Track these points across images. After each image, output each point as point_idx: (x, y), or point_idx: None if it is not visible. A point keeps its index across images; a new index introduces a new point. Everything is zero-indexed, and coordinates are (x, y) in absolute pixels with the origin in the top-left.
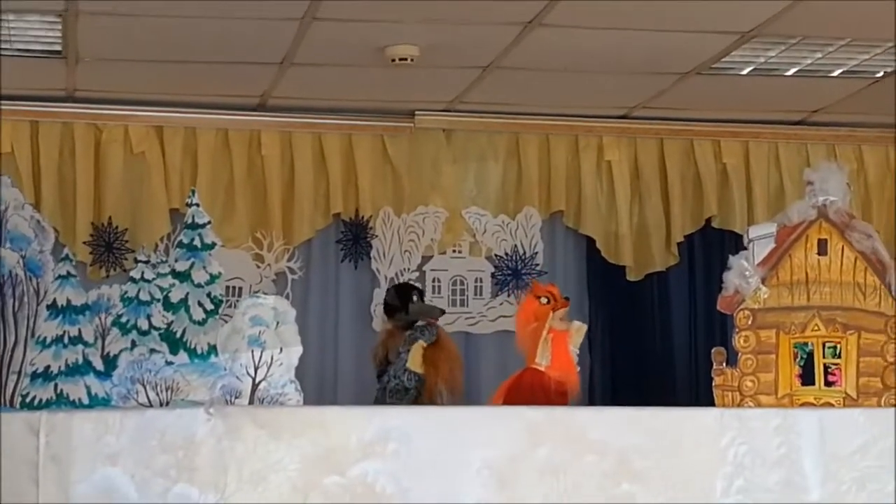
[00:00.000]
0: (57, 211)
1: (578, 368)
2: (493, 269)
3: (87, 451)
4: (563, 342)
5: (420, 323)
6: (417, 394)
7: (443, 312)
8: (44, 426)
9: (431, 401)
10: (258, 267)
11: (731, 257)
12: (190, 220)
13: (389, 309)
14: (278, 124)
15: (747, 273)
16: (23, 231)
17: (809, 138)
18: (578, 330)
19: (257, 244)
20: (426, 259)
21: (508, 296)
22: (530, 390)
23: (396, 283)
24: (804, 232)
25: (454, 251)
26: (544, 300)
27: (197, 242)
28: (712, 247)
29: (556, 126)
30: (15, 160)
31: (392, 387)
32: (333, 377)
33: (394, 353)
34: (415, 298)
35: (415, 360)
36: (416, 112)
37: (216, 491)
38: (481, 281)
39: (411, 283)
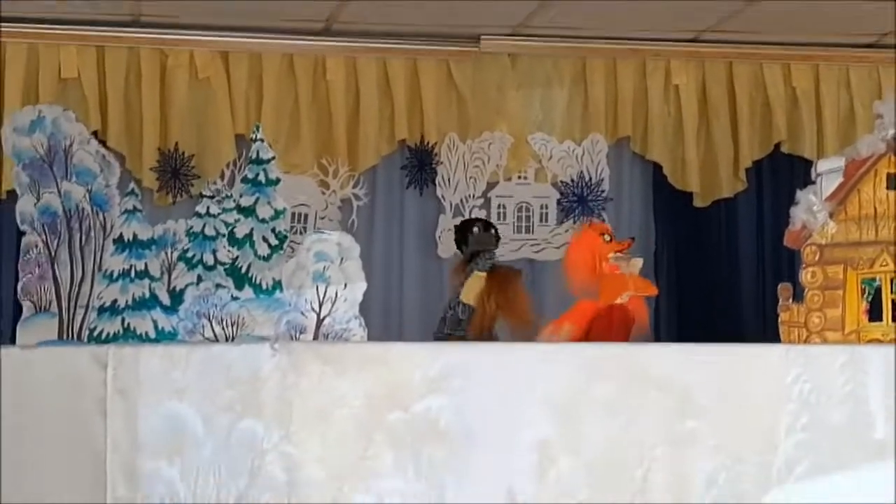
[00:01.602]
0: (123, 137)
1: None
2: (558, 196)
3: (154, 385)
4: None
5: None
6: (466, 324)
7: (496, 240)
8: (111, 360)
9: (480, 333)
10: (323, 193)
11: (798, 192)
12: (255, 155)
13: (457, 244)
14: (343, 49)
15: (815, 208)
16: (88, 165)
17: (881, 61)
18: (635, 264)
19: (322, 171)
20: (491, 185)
21: (574, 223)
22: (620, 327)
23: (465, 218)
24: (873, 166)
25: (520, 177)
26: (607, 237)
27: (262, 178)
28: (781, 173)
29: (622, 50)
30: (81, 86)
31: (449, 317)
32: (399, 306)
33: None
34: (475, 230)
35: (468, 292)
36: (482, 37)
37: (280, 426)
38: (547, 207)
39: (477, 218)
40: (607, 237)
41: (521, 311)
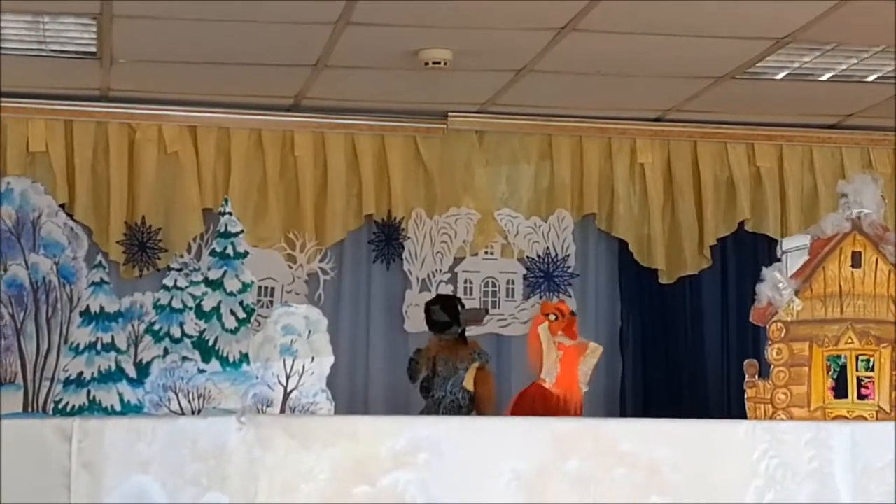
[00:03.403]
0: (91, 210)
1: (585, 388)
2: (524, 271)
3: (120, 458)
4: (572, 360)
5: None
6: (468, 412)
7: (487, 312)
8: (76, 432)
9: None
10: (290, 267)
11: (764, 269)
12: (223, 229)
13: (439, 325)
14: (312, 125)
15: (780, 285)
16: (56, 238)
17: (843, 142)
18: (594, 351)
19: (290, 245)
20: (458, 260)
21: (540, 298)
22: (532, 405)
23: (433, 297)
24: (838, 244)
25: (486, 253)
26: (552, 317)
27: (230, 251)
28: (745, 251)
29: (589, 128)
30: (49, 159)
31: (447, 403)
32: (365, 380)
33: (447, 366)
34: (460, 308)
35: (469, 379)
36: (449, 113)
37: (246, 499)
38: (513, 283)
39: (447, 295)
40: (553, 316)
41: (490, 404)
